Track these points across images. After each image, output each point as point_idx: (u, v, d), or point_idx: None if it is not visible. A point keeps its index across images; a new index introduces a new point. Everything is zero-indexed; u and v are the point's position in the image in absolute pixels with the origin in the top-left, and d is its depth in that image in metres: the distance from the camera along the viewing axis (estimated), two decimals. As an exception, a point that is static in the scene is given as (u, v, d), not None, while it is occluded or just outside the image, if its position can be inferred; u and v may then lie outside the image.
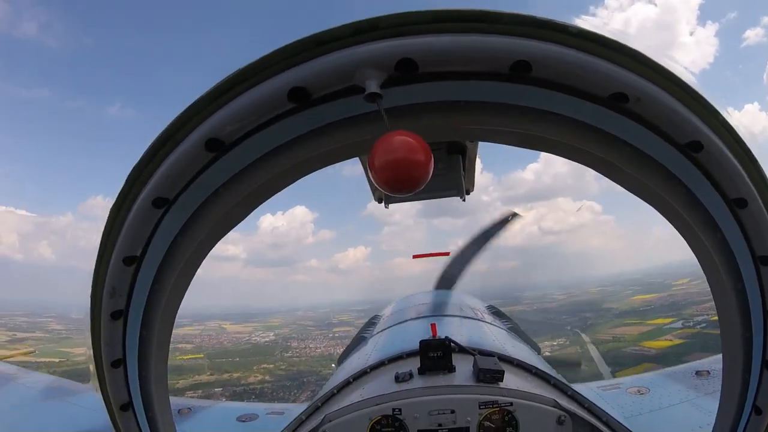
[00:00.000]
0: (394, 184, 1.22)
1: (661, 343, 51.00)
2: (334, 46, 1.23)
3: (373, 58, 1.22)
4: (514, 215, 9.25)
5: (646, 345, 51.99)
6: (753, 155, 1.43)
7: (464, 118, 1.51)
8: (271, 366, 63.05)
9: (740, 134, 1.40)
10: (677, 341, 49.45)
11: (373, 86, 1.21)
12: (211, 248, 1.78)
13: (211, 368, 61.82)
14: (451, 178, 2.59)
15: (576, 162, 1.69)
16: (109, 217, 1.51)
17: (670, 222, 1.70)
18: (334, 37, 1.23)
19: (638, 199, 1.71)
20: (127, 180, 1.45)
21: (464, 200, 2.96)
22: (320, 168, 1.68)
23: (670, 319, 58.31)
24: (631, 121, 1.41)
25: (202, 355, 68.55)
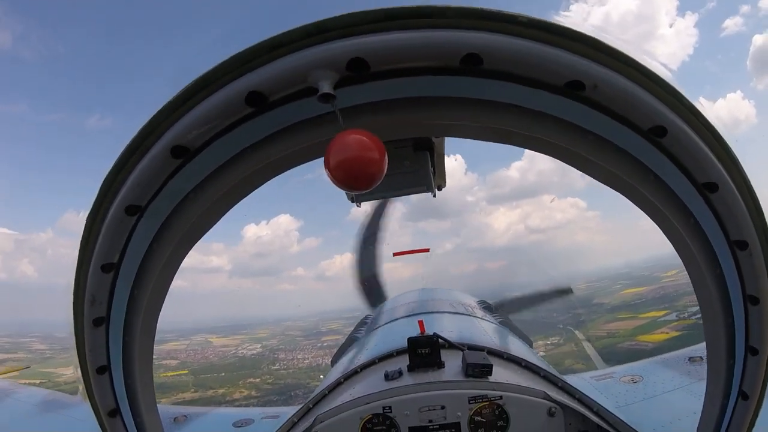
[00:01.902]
0: (349, 182, 1.25)
1: (658, 337, 50.06)
2: (286, 50, 1.25)
3: (324, 60, 1.23)
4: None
5: (643, 339, 51.07)
6: (721, 137, 1.39)
7: (423, 113, 1.50)
8: (258, 380, 60.85)
9: (707, 117, 1.36)
10: (674, 333, 48.55)
11: (325, 87, 1.23)
12: (187, 253, 1.79)
13: (195, 385, 59.40)
14: (419, 174, 2.44)
15: (544, 154, 1.65)
16: (85, 225, 1.54)
17: (643, 210, 1.67)
18: (287, 40, 1.24)
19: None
20: (100, 189, 1.48)
21: (435, 196, 2.79)
22: (287, 169, 1.69)
23: (663, 312, 57.76)
24: (591, 108, 1.37)
25: (186, 372, 66.06)
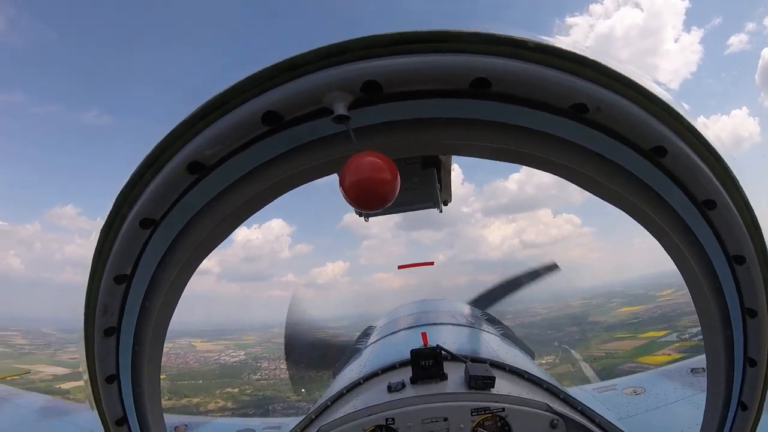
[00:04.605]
0: (363, 203, 1.30)
1: (660, 359, 47.76)
2: (303, 71, 1.29)
3: (339, 82, 1.27)
4: (554, 266, 9.37)
5: (644, 361, 48.74)
6: (720, 156, 1.43)
7: (433, 134, 1.55)
8: (236, 390, 58.10)
9: (706, 137, 1.41)
10: (677, 356, 46.34)
11: (340, 109, 1.28)
12: (198, 266, 1.83)
13: (170, 392, 56.29)
14: (426, 190, 2.46)
15: (550, 173, 1.69)
16: (99, 237, 1.57)
17: (645, 228, 1.71)
18: (303, 62, 1.28)
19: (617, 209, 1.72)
20: (115, 202, 1.51)
21: (441, 211, 2.83)
22: (299, 185, 1.73)
23: (663, 332, 55.94)
24: (595, 130, 1.42)
25: (164, 377, 62.30)
